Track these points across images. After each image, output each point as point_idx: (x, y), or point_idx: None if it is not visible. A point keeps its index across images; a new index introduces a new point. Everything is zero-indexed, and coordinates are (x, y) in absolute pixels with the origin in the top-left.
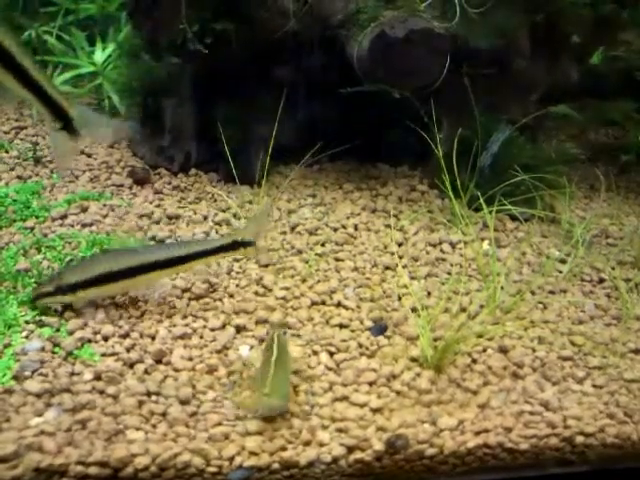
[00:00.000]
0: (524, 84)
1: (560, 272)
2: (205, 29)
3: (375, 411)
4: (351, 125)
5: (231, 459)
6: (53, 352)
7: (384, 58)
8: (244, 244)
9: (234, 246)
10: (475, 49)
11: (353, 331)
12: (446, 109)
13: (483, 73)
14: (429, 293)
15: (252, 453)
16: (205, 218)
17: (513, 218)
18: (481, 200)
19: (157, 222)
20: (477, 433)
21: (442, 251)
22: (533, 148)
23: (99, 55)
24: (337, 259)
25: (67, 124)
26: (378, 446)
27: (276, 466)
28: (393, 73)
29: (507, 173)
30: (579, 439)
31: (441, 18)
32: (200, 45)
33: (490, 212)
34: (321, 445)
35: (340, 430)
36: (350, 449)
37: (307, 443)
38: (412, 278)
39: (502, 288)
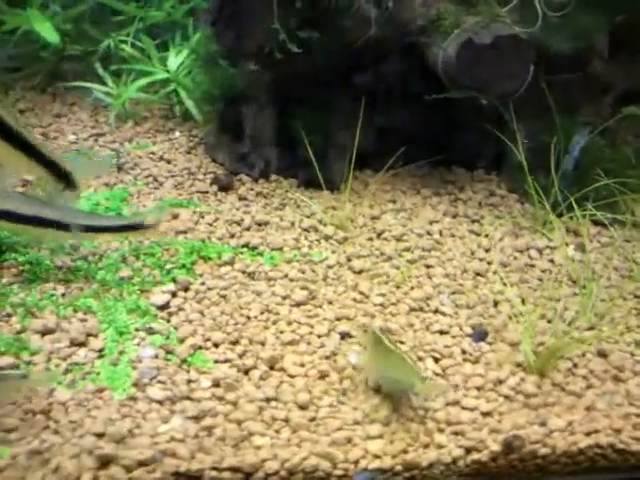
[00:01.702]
0: (602, 86)
1: None
2: (292, 37)
3: (486, 414)
4: (426, 129)
5: (356, 462)
6: (166, 359)
7: (471, 65)
8: (143, 227)
9: (135, 227)
10: (554, 52)
11: (454, 337)
12: (523, 112)
13: (561, 76)
14: (523, 300)
15: (376, 456)
16: (292, 224)
17: (595, 223)
18: (572, 201)
19: (247, 229)
20: (587, 434)
21: (530, 257)
22: (613, 151)
23: (172, 61)
24: (427, 265)
25: (68, 181)
26: (494, 447)
27: (399, 468)
28: (480, 80)
29: (588, 177)
30: None
31: (520, 23)
32: (296, 48)
33: (584, 217)
34: (440, 447)
35: (456, 433)
36: (468, 450)
37: (426, 445)
38: (505, 284)
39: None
